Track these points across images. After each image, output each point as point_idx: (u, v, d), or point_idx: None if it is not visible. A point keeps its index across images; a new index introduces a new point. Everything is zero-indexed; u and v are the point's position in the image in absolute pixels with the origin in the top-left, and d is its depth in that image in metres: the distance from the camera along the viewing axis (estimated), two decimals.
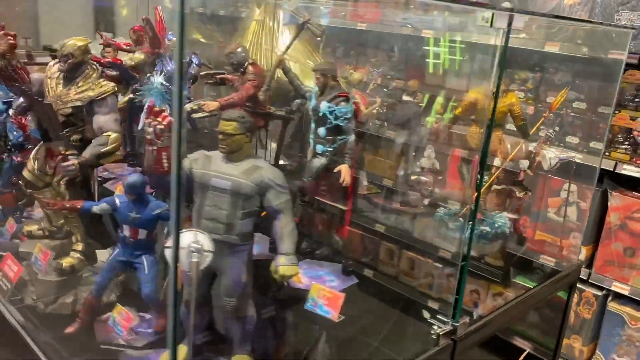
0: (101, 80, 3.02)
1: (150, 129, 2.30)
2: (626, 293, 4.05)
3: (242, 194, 2.43)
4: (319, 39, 2.79)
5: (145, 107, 3.10)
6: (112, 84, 3.00)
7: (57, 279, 3.08)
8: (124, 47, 3.80)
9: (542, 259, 4.06)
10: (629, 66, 3.95)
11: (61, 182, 2.89)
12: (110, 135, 2.91)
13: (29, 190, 3.25)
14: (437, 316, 2.83)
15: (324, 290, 2.63)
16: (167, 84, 3.19)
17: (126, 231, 2.78)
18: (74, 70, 2.95)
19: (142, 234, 2.79)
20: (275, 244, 2.53)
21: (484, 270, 3.74)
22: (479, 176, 3.66)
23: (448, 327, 2.79)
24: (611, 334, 4.15)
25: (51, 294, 3.07)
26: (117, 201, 2.76)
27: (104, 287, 2.87)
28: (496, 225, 3.70)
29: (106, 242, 3.34)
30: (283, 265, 2.40)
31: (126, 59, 3.49)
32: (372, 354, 2.98)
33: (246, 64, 2.97)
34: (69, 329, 2.85)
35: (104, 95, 2.94)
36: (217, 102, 2.81)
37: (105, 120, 2.94)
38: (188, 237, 2.21)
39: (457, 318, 2.82)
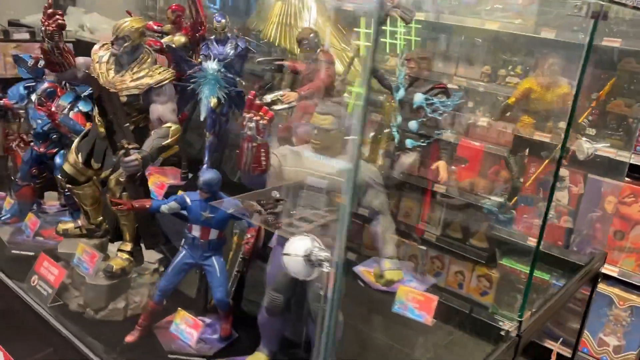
0: (157, 65, 2.75)
1: (252, 124, 2.09)
2: (615, 275, 4.12)
3: (340, 193, 2.26)
4: (406, 24, 2.61)
5: (206, 104, 2.88)
6: (171, 70, 2.74)
7: (106, 283, 2.82)
8: (155, 28, 3.50)
9: (529, 241, 4.09)
10: (622, 53, 3.97)
11: (120, 179, 2.62)
12: (170, 127, 2.66)
13: (68, 186, 2.96)
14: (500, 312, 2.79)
15: (413, 293, 2.50)
16: (224, 70, 2.96)
17: (196, 231, 2.57)
18: (128, 55, 2.67)
19: (213, 234, 2.58)
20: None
21: (469, 251, 3.69)
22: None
23: (515, 323, 2.74)
24: (599, 314, 4.23)
25: (101, 299, 2.82)
26: (188, 199, 2.54)
27: (168, 292, 2.65)
28: (549, 216, 3.66)
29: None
30: (389, 270, 2.27)
31: (166, 41, 3.22)
32: (442, 353, 2.90)
33: (318, 50, 2.77)
34: (129, 338, 2.62)
35: (164, 83, 2.68)
36: (296, 93, 2.60)
37: (164, 110, 2.68)
38: (304, 244, 2.03)
39: (522, 314, 2.78)
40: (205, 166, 3.20)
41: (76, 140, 2.91)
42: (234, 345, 2.70)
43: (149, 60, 2.73)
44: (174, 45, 3.18)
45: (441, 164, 2.58)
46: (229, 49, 3.15)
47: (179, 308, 2.70)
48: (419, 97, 2.52)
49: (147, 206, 2.53)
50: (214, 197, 2.53)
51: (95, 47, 2.81)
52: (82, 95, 3.40)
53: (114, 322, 2.82)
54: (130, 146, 2.50)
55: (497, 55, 4.41)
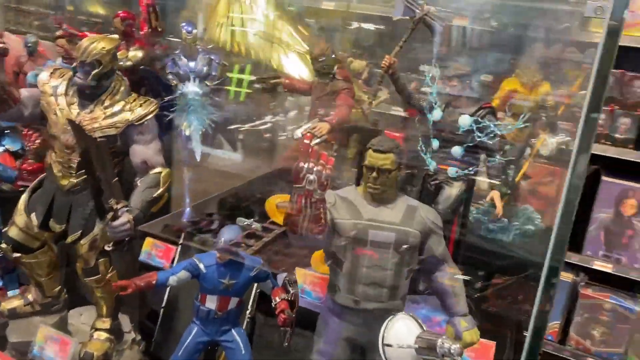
0: (134, 95, 2.16)
1: (313, 177, 1.63)
2: None
3: (409, 246, 1.88)
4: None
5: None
6: (153, 101, 2.16)
7: None
8: None
9: None
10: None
11: (106, 247, 2.02)
12: (160, 173, 2.11)
13: (15, 255, 2.28)
14: None
15: None
16: (206, 93, 2.43)
17: (211, 303, 2.06)
18: (97, 85, 2.06)
19: (233, 303, 2.10)
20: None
21: None
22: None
23: None
24: None
25: None
26: (202, 266, 2.01)
27: None
28: (536, 221, 3.52)
29: None
30: (467, 330, 1.93)
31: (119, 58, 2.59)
32: None
33: (335, 68, 2.33)
34: None
35: (147, 118, 2.10)
36: (327, 123, 2.15)
37: (149, 152, 2.12)
38: (408, 329, 1.62)
39: None
40: (188, 209, 2.63)
41: (24, 197, 2.24)
42: None
43: (122, 89, 2.13)
44: (130, 63, 2.56)
45: (495, 194, 2.28)
46: (201, 65, 2.59)
47: None
48: (466, 120, 2.18)
49: (153, 282, 1.96)
50: (234, 259, 2.03)
51: (43, 75, 2.14)
52: (6, 130, 2.68)
53: None
54: (119, 206, 1.92)
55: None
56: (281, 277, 2.19)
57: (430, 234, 1.93)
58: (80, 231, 2.15)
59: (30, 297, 2.43)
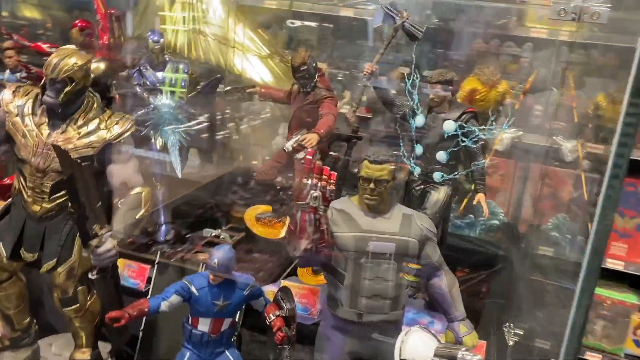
0: (108, 112, 2.03)
1: (317, 193, 1.59)
2: None
3: (408, 255, 1.87)
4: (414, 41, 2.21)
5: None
6: (130, 117, 2.04)
7: None
8: (49, 50, 2.64)
9: None
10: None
11: (90, 275, 1.90)
12: (141, 193, 2.00)
13: None
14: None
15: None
16: (180, 105, 2.33)
17: (204, 326, 1.97)
18: (70, 103, 1.92)
19: (226, 324, 2.02)
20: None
21: None
22: None
23: None
24: None
25: None
26: (194, 288, 1.92)
27: None
28: (499, 216, 3.61)
29: None
30: (467, 334, 1.94)
31: None
32: None
33: (317, 76, 2.27)
34: None
35: (125, 136, 1.99)
36: (316, 134, 2.10)
37: (128, 172, 2.01)
38: (424, 343, 1.61)
39: None
40: (164, 227, 2.52)
41: None
42: None
43: (95, 106, 2.00)
44: (93, 76, 2.41)
45: (481, 197, 2.30)
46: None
47: None
48: (450, 126, 2.18)
49: (146, 309, 1.86)
50: (227, 280, 1.95)
51: (6, 93, 1.98)
52: None
53: None
54: (103, 231, 1.81)
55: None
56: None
57: (426, 241, 1.93)
58: (56, 259, 2.01)
59: None
